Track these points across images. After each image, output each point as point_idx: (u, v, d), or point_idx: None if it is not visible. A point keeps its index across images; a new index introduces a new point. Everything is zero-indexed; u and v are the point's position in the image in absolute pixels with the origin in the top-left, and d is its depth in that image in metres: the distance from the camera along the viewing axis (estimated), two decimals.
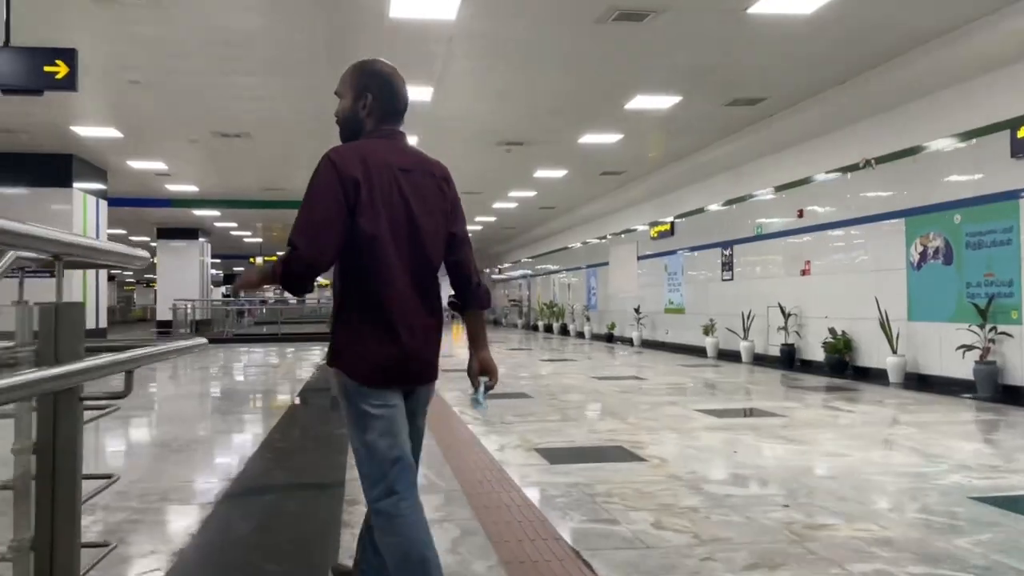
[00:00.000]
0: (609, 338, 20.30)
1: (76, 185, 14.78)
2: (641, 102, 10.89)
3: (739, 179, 13.87)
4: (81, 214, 15.02)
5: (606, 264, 21.53)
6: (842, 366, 10.58)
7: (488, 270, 41.32)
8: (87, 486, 2.06)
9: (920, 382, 9.25)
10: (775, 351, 12.29)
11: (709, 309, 14.87)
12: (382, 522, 2.15)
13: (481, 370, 2.38)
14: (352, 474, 2.36)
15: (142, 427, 7.26)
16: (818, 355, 11.11)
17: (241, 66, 9.32)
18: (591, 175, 16.90)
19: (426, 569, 2.11)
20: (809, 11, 7.56)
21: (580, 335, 22.73)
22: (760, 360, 12.77)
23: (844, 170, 10.90)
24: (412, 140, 10.21)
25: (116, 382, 1.90)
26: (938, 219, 9.12)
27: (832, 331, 10.75)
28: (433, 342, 2.32)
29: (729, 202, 14.36)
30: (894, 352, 9.55)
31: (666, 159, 15.39)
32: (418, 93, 10.20)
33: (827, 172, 11.31)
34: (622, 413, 7.14)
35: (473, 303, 2.41)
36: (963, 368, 8.49)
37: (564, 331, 24.63)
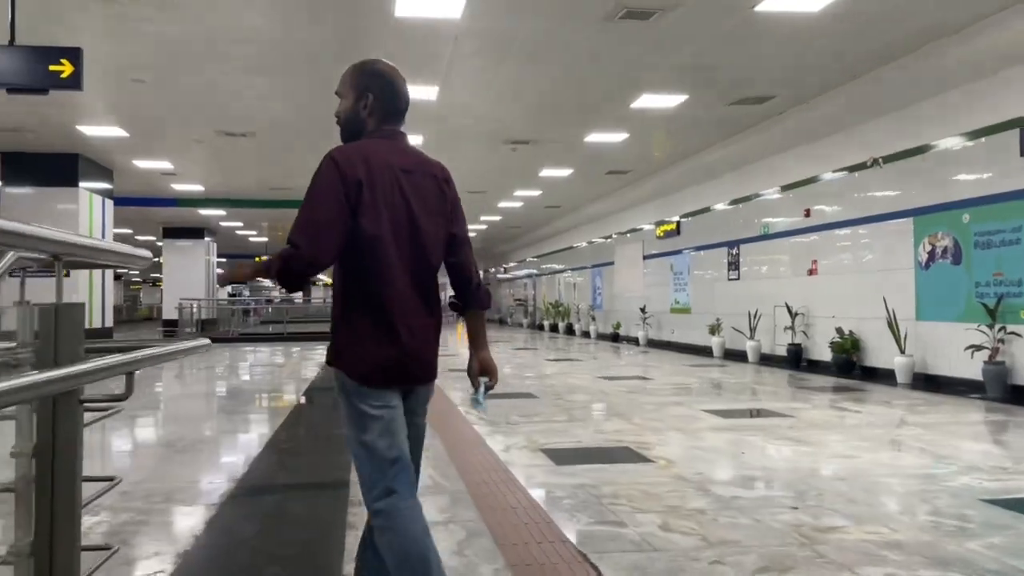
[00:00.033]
0: (615, 338, 20.26)
1: (82, 184, 14.80)
2: (647, 101, 10.85)
3: (745, 178, 13.81)
4: (87, 213, 15.03)
5: (611, 264, 21.49)
6: (849, 366, 10.52)
7: (493, 269, 41.31)
8: (89, 488, 2.04)
9: (928, 382, 9.19)
10: (782, 351, 12.24)
11: (715, 309, 14.82)
12: (381, 521, 2.15)
13: (481, 370, 2.39)
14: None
15: (147, 427, 7.25)
16: (825, 355, 11.05)
17: (246, 65, 9.31)
18: (597, 174, 16.86)
19: (426, 568, 2.10)
20: (817, 9, 7.51)
21: (586, 335, 22.70)
22: (767, 360, 12.72)
23: (851, 169, 10.84)
24: (417, 139, 10.21)
25: (118, 383, 1.88)
26: (947, 218, 9.06)
27: (839, 331, 10.69)
28: (433, 342, 2.32)
29: (735, 201, 14.31)
30: (902, 352, 9.50)
31: (672, 158, 15.34)
32: (424, 92, 10.19)
33: (834, 171, 11.25)
34: (628, 413, 7.11)
35: (473, 304, 2.42)
36: (972, 368, 8.43)
37: (569, 331, 24.59)
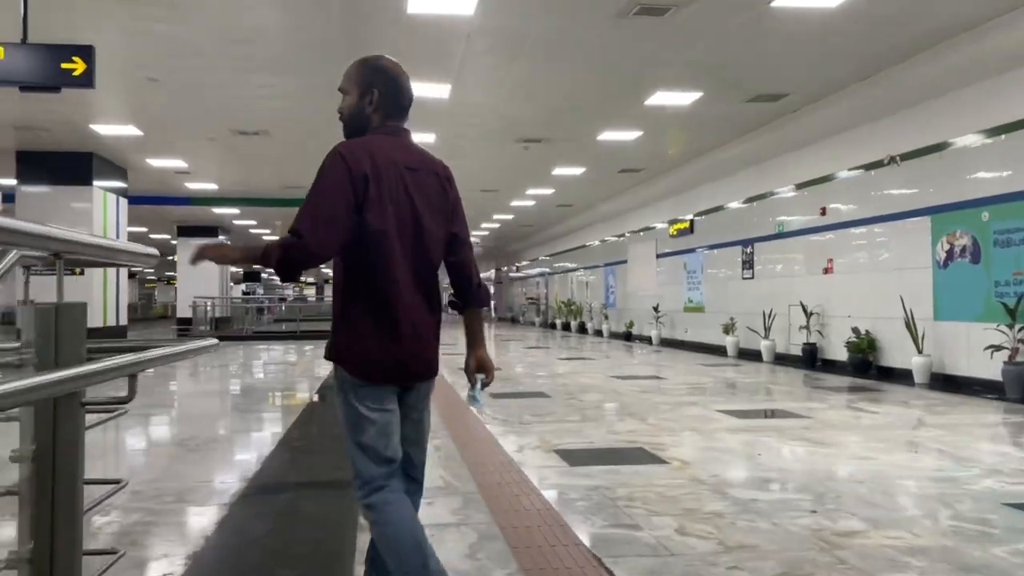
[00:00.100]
0: (628, 336, 20.17)
1: (96, 183, 14.86)
2: (661, 98, 10.76)
3: (760, 176, 13.70)
4: (101, 212, 15.10)
5: (624, 262, 21.39)
6: (865, 366, 10.41)
7: (506, 268, 41.25)
8: (95, 491, 2.00)
9: (946, 383, 9.07)
10: (796, 350, 12.13)
11: (729, 308, 14.71)
12: (374, 515, 2.20)
13: (478, 367, 2.43)
14: None
15: (159, 425, 7.25)
16: (840, 355, 10.94)
17: (259, 64, 9.29)
18: (610, 173, 16.78)
19: (423, 554, 2.16)
20: (834, 4, 7.41)
21: (598, 333, 22.62)
22: (781, 359, 12.61)
23: (868, 167, 10.72)
24: (429, 138, 10.18)
25: (124, 383, 1.84)
26: (965, 217, 8.94)
27: (856, 330, 10.58)
28: (434, 340, 2.35)
29: (750, 200, 14.19)
30: (919, 352, 9.38)
31: (686, 156, 15.24)
32: (436, 90, 10.16)
33: (850, 169, 11.13)
34: (642, 413, 7.04)
35: (473, 303, 2.45)
36: (991, 369, 8.30)
37: (582, 329, 24.51)
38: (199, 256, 2.24)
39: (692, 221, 16.78)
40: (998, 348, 8.12)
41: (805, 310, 11.80)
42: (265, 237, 32.48)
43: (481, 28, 8.10)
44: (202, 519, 3.77)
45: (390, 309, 2.20)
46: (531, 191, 19.78)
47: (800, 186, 12.45)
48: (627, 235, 21.11)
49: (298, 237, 2.08)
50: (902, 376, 9.69)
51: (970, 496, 4.06)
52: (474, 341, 2.44)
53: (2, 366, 2.01)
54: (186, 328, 23.97)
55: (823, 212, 11.80)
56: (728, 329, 14.31)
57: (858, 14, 7.67)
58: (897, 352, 9.99)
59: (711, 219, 15.92)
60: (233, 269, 32.63)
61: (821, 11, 7.61)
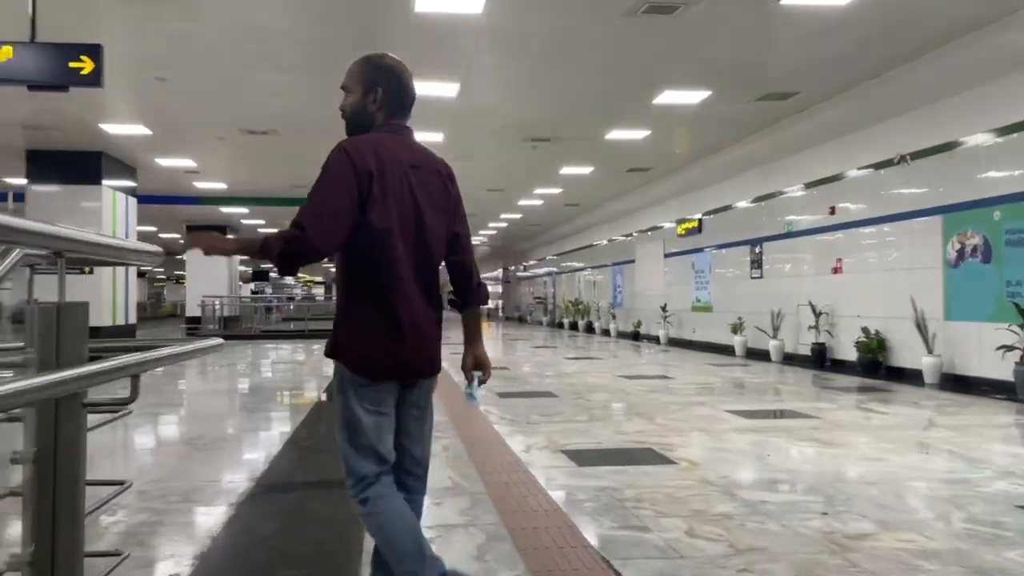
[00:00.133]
0: (635, 336, 20.12)
1: (106, 182, 14.90)
2: (670, 97, 10.72)
3: (769, 175, 13.64)
4: (111, 211, 15.14)
5: (632, 262, 21.34)
6: (875, 366, 10.34)
7: (513, 267, 41.23)
8: (101, 491, 1.99)
9: (956, 383, 9.01)
10: (805, 350, 12.07)
11: (737, 307, 14.65)
12: (368, 507, 2.22)
13: (475, 364, 2.47)
14: None
15: (166, 424, 7.26)
16: (850, 355, 10.88)
17: (268, 63, 9.29)
18: (617, 172, 16.73)
19: (418, 540, 2.21)
20: (844, 2, 7.36)
21: (606, 333, 22.57)
22: (790, 359, 12.56)
23: (878, 166, 10.65)
24: (437, 137, 10.15)
25: (128, 384, 1.82)
26: (977, 216, 8.87)
27: (865, 330, 10.52)
28: (436, 338, 2.37)
29: (759, 199, 14.13)
30: (930, 352, 9.32)
31: (694, 155, 15.18)
32: (444, 89, 10.14)
33: (860, 168, 11.06)
34: (650, 413, 7.01)
35: (473, 302, 2.49)
36: (1003, 369, 8.24)
37: (589, 329, 24.47)
38: (191, 245, 2.22)
39: (700, 220, 16.72)
40: (1010, 348, 8.05)
41: (814, 310, 11.74)
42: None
43: (489, 26, 8.08)
44: (209, 519, 3.76)
45: (392, 307, 2.21)
46: (539, 190, 19.74)
47: (809, 185, 12.39)
48: (635, 234, 21.06)
49: (301, 230, 2.08)
50: (912, 376, 9.63)
51: (983, 498, 4.02)
52: (472, 339, 2.47)
53: (8, 366, 2.00)
54: (195, 327, 24.05)
55: (832, 211, 11.74)
56: (736, 329, 14.26)
57: (869, 12, 7.62)
58: (907, 352, 9.92)
59: (719, 218, 15.86)
60: (241, 268, 32.68)
61: (831, 9, 7.56)
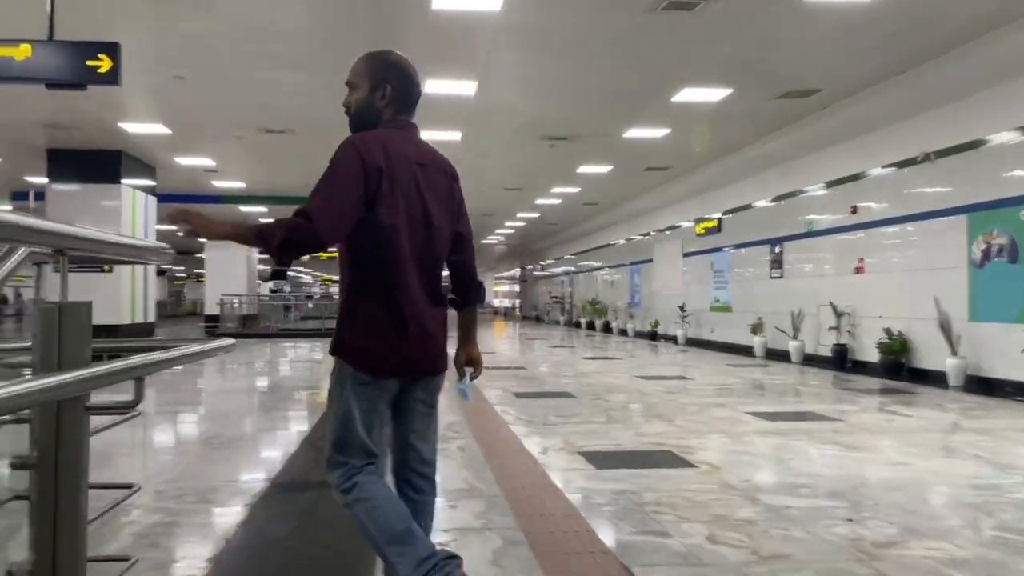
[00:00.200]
0: (653, 336, 19.99)
1: (125, 181, 15.00)
2: (690, 95, 10.61)
3: (790, 174, 13.48)
4: (130, 210, 15.23)
5: (650, 261, 21.21)
6: (897, 368, 10.18)
7: (530, 266, 41.15)
8: (109, 495, 1.94)
9: (981, 385, 8.84)
10: (826, 351, 11.92)
11: (757, 307, 14.50)
12: (355, 494, 2.23)
13: (468, 361, 2.52)
14: None
15: (181, 424, 7.26)
16: (871, 356, 10.72)
17: (285, 62, 9.29)
18: (636, 171, 16.62)
19: (406, 520, 2.20)
20: None
21: (623, 333, 22.45)
22: (810, 360, 12.40)
23: (901, 165, 10.49)
24: (456, 136, 10.10)
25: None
26: (1003, 215, 8.70)
27: (888, 331, 10.36)
28: (441, 336, 2.37)
29: (779, 198, 13.97)
30: (954, 354, 9.16)
31: (714, 154, 15.05)
32: (462, 87, 10.09)
33: (883, 167, 10.90)
34: (669, 415, 6.92)
35: (472, 301, 2.52)
36: None
37: (607, 328, 24.35)
38: (181, 219, 2.13)
39: (720, 220, 16.57)
40: None
41: (835, 310, 11.59)
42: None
43: (508, 24, 8.02)
44: (224, 520, 3.72)
45: (397, 304, 2.21)
46: (557, 189, 19.67)
47: (831, 184, 12.23)
48: (653, 234, 20.92)
49: (308, 220, 2.05)
50: (935, 378, 9.47)
51: (1013, 504, 3.91)
52: (468, 337, 2.52)
53: (17, 366, 1.96)
54: (214, 325, 24.17)
55: (854, 211, 11.57)
56: (756, 329, 14.11)
57: (893, 8, 7.49)
58: (930, 354, 9.76)
59: (739, 217, 15.71)
60: (260, 267, 32.82)
61: (854, 5, 7.44)
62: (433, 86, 9.83)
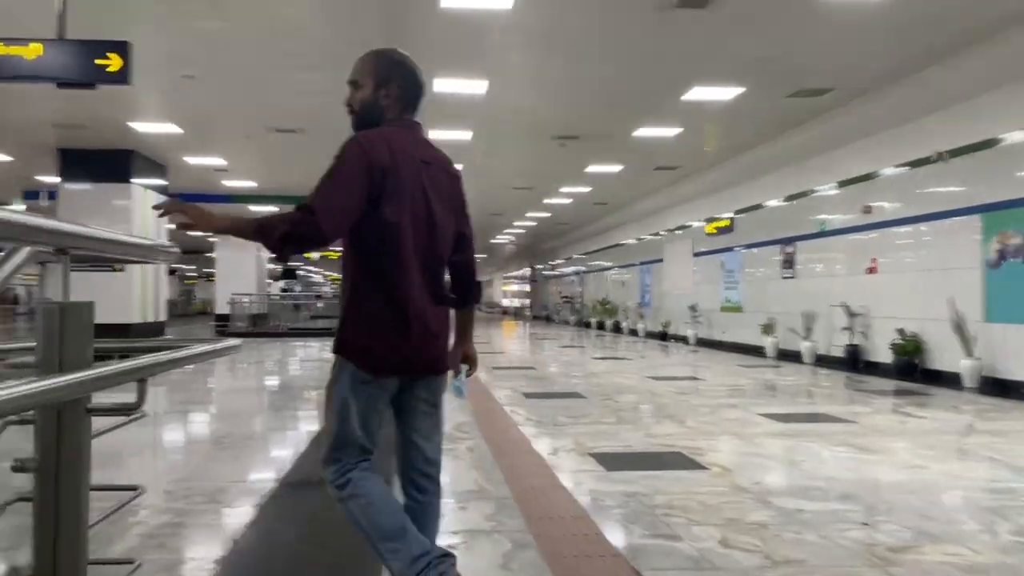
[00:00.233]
0: (663, 336, 19.91)
1: (135, 181, 15.03)
2: (700, 93, 10.54)
3: (802, 173, 13.39)
4: (140, 209, 15.26)
5: (660, 261, 21.13)
6: (911, 369, 10.09)
7: (540, 266, 41.10)
8: (116, 496, 1.92)
9: (997, 387, 8.74)
10: (838, 352, 11.83)
11: (768, 308, 14.42)
12: (350, 489, 2.23)
13: (463, 359, 2.56)
14: None
15: (192, 423, 7.26)
16: (884, 357, 10.63)
17: (295, 61, 9.28)
18: (646, 170, 16.55)
19: (401, 518, 2.20)
20: None
21: (633, 333, 22.38)
22: (822, 361, 12.31)
23: (914, 164, 10.39)
24: (466, 135, 10.06)
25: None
26: (1018, 215, 8.60)
27: (901, 332, 10.27)
28: (443, 334, 2.36)
29: (791, 197, 13.88)
30: (969, 355, 9.06)
31: (725, 153, 14.97)
32: (473, 86, 10.06)
33: (896, 166, 10.80)
34: (680, 416, 6.87)
35: (471, 301, 2.54)
36: None
37: (617, 329, 24.28)
38: (175, 210, 2.07)
39: (731, 219, 16.48)
40: None
41: (848, 311, 11.50)
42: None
43: (518, 22, 7.98)
44: (232, 520, 3.70)
45: (400, 302, 2.20)
46: (566, 188, 19.61)
47: (843, 184, 12.13)
48: (663, 233, 20.84)
49: (311, 215, 2.02)
50: (949, 380, 9.38)
51: None
52: (464, 335, 2.56)
53: (22, 366, 1.94)
54: (224, 325, 24.22)
55: (867, 210, 11.48)
56: (767, 330, 14.03)
57: (907, 6, 7.41)
58: (944, 355, 9.67)
59: (750, 217, 15.62)
60: (270, 266, 32.90)
61: (868, 2, 7.36)
62: (443, 85, 9.80)
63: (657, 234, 21.35)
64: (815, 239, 13.02)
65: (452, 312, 2.50)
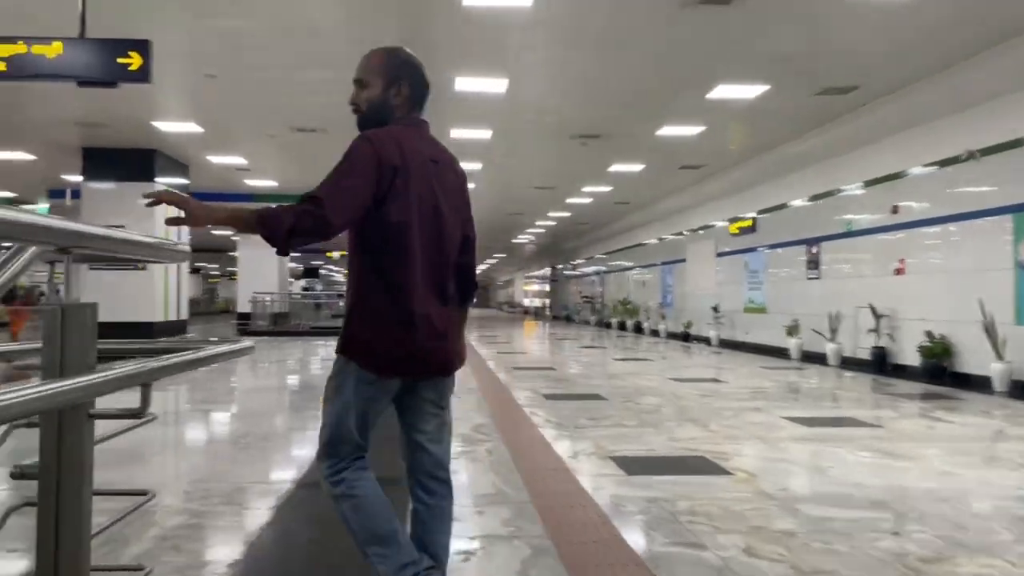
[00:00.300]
0: (685, 337, 19.74)
1: (158, 180, 15.12)
2: (725, 91, 10.41)
3: (828, 173, 13.19)
4: (164, 208, 15.34)
5: (683, 261, 20.96)
6: (939, 372, 9.89)
7: (561, 266, 40.99)
8: (128, 500, 1.87)
9: None
10: (864, 354, 11.63)
11: (793, 309, 14.23)
12: (343, 487, 2.22)
13: None
14: None
15: (211, 423, 7.25)
16: (912, 359, 10.43)
17: (316, 59, 9.26)
18: (669, 169, 16.41)
19: (394, 524, 2.19)
20: None
21: (655, 333, 22.22)
22: (847, 363, 12.12)
23: (944, 163, 10.19)
24: (487, 134, 10.01)
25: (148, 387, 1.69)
26: None
27: (929, 334, 10.07)
28: (452, 336, 2.32)
29: (816, 197, 13.68)
30: (999, 358, 8.87)
31: (749, 152, 14.79)
32: (493, 84, 10.00)
33: (925, 165, 10.60)
34: (703, 419, 6.76)
35: (469, 302, 2.52)
36: None
37: (638, 329, 24.12)
38: (168, 201, 2.00)
39: (754, 219, 16.29)
40: None
41: (875, 312, 11.31)
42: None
43: (539, 20, 7.91)
44: (248, 522, 3.66)
45: (405, 302, 2.16)
46: (588, 188, 19.49)
47: (870, 183, 11.94)
48: (686, 233, 20.67)
49: (317, 206, 1.98)
50: (979, 383, 9.18)
51: None
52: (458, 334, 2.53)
53: (30, 367, 1.90)
54: (246, 323, 24.36)
55: (895, 210, 11.28)
56: (791, 331, 13.84)
57: (936, 1, 7.24)
58: (974, 358, 9.47)
59: (774, 217, 15.43)
60: (292, 265, 33.05)
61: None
62: (463, 84, 9.75)
63: (680, 234, 21.18)
64: (841, 239, 12.82)
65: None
